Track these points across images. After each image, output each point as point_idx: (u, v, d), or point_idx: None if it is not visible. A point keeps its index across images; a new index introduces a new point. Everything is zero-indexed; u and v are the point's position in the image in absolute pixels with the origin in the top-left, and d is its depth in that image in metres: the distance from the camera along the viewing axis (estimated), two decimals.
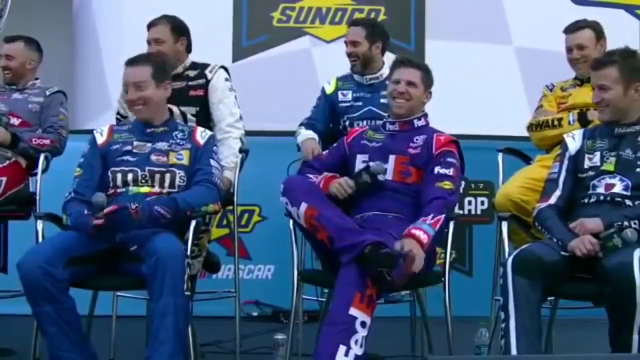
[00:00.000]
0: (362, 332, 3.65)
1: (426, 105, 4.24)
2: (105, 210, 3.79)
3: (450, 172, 3.99)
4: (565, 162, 3.98)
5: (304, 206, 3.83)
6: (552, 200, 3.93)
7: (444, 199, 3.91)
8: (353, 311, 3.64)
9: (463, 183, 6.16)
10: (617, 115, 3.89)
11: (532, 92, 5.52)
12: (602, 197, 3.82)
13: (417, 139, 4.08)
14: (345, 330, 3.63)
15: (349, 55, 4.95)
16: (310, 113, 4.99)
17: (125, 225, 3.84)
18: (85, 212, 3.95)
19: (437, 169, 3.99)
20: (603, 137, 3.93)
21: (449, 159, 4.02)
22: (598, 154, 3.91)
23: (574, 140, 4.00)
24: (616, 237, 3.64)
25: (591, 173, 3.89)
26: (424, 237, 3.78)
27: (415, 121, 4.15)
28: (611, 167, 3.86)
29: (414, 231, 3.78)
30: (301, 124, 4.94)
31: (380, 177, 4.00)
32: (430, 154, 4.03)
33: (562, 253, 3.71)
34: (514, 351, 3.55)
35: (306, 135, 4.83)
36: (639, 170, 3.83)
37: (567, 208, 3.92)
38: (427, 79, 4.17)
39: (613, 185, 3.83)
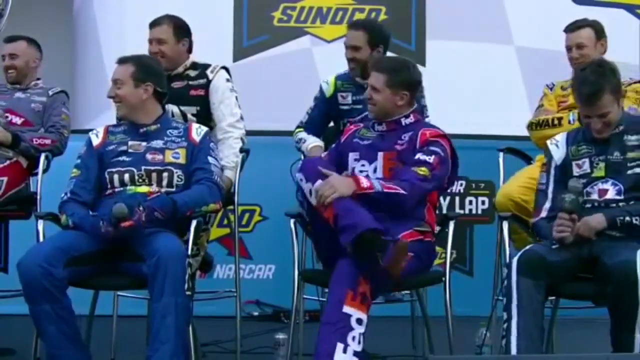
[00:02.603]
0: (358, 329, 3.66)
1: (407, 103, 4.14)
2: (123, 225, 3.78)
3: (430, 159, 3.94)
4: (552, 171, 3.95)
5: (318, 182, 3.81)
6: (543, 213, 3.91)
7: (410, 182, 3.87)
8: (347, 309, 3.65)
9: (464, 183, 6.18)
10: (612, 129, 3.85)
11: (532, 92, 5.52)
12: (596, 203, 3.80)
13: (404, 136, 4.05)
14: (340, 328, 3.64)
15: (350, 60, 4.83)
16: (306, 115, 4.97)
17: (134, 234, 3.85)
18: (91, 213, 3.96)
19: (418, 155, 3.96)
20: (588, 142, 3.89)
21: (432, 148, 3.97)
22: (587, 160, 3.87)
23: (557, 148, 3.96)
24: (565, 196, 3.68)
25: (582, 181, 3.84)
26: (365, 182, 3.81)
27: (403, 119, 4.10)
28: (602, 173, 3.83)
29: (358, 175, 3.85)
30: (299, 126, 4.93)
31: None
32: (415, 147, 4.00)
33: (553, 247, 3.71)
34: (514, 351, 3.54)
35: (313, 142, 4.80)
36: (629, 172, 3.80)
37: None
38: (395, 81, 4.06)
39: (606, 190, 3.81)
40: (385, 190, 3.83)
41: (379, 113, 4.11)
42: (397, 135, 4.07)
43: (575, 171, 3.88)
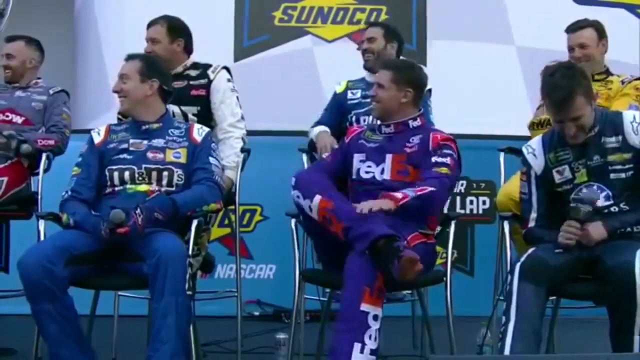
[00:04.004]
0: (375, 326, 3.66)
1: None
2: (119, 230, 3.77)
3: (447, 160, 3.99)
4: (533, 180, 3.90)
5: (317, 198, 3.82)
6: (531, 223, 3.90)
7: (438, 179, 3.93)
8: (364, 307, 3.65)
9: (465, 183, 6.19)
10: (586, 131, 3.80)
11: (533, 92, 5.46)
12: None
13: (413, 139, 4.08)
14: (358, 327, 3.64)
15: (365, 51, 5.06)
16: (319, 115, 5.04)
17: (132, 238, 3.84)
18: (93, 212, 3.96)
19: (434, 159, 4.00)
20: (564, 146, 3.84)
21: (446, 151, 4.02)
22: (566, 167, 3.83)
23: (535, 157, 3.90)
24: (578, 206, 3.66)
25: (566, 187, 3.82)
26: (398, 194, 3.83)
27: (411, 122, 4.13)
28: (584, 178, 3.80)
29: (389, 193, 3.86)
30: (313, 126, 4.99)
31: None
32: (427, 151, 4.03)
33: (557, 251, 3.69)
34: (507, 353, 3.53)
35: (319, 129, 4.89)
36: (613, 176, 3.77)
37: (551, 222, 3.83)
38: (400, 78, 4.11)
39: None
40: (418, 193, 3.86)
41: (383, 111, 4.13)
42: (406, 137, 4.09)
43: (557, 178, 3.84)
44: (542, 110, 4.75)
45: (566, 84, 3.72)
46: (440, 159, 3.99)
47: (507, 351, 3.54)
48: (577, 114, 3.74)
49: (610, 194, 3.77)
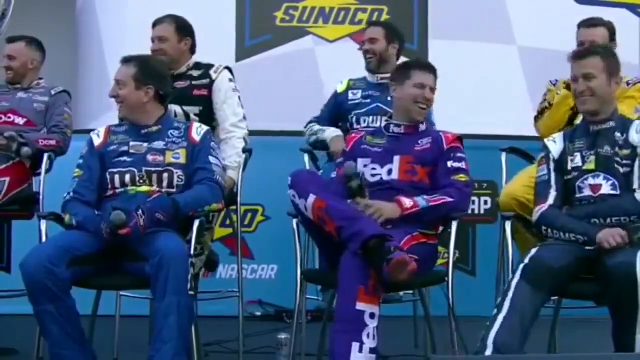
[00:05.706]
0: (372, 324, 3.65)
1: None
2: (120, 232, 3.77)
3: (463, 165, 4.06)
4: (551, 163, 3.96)
5: (312, 198, 3.82)
6: (551, 200, 3.91)
7: (455, 188, 3.97)
8: (360, 306, 3.64)
9: None
10: (598, 106, 3.88)
11: (535, 92, 5.52)
12: (592, 200, 3.82)
13: (422, 141, 4.11)
14: (355, 327, 3.64)
15: (366, 52, 5.09)
16: (320, 112, 5.08)
17: (134, 239, 3.84)
18: (95, 212, 3.96)
19: (449, 163, 4.04)
20: (581, 137, 3.93)
21: (459, 154, 4.09)
22: (578, 154, 3.90)
23: (555, 143, 3.99)
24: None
25: (574, 174, 3.88)
26: (407, 202, 3.88)
27: (420, 125, 4.19)
28: (592, 166, 3.86)
29: (401, 198, 3.89)
30: (310, 122, 5.02)
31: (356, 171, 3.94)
32: (441, 148, 4.07)
33: (587, 248, 3.69)
34: (489, 342, 3.49)
35: (333, 132, 4.93)
36: (618, 167, 3.82)
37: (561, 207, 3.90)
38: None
39: (599, 185, 3.83)
40: (432, 203, 3.90)
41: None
42: (414, 139, 4.12)
43: (569, 165, 3.91)
44: (542, 105, 4.75)
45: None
46: (456, 164, 4.04)
47: (491, 339, 3.50)
48: (589, 70, 3.86)
49: (616, 183, 3.81)
